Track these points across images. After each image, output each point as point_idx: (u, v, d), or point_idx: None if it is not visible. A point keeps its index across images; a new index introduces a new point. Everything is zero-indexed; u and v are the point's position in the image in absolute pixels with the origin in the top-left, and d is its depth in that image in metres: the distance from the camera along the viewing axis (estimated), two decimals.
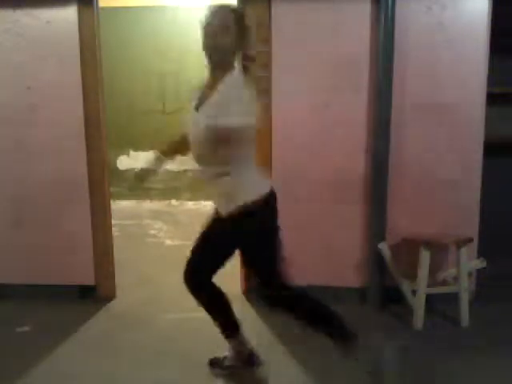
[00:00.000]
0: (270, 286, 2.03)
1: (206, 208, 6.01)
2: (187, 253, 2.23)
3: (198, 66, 5.89)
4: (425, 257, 2.70)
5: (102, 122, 3.05)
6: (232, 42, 1.84)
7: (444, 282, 2.92)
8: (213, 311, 2.20)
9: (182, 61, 5.98)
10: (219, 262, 2.12)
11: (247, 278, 3.13)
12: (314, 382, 2.24)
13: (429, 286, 2.74)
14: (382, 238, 2.95)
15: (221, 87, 1.85)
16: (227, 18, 1.82)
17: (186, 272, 2.25)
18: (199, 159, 1.96)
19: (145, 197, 6.36)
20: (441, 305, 2.91)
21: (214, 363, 2.32)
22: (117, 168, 6.32)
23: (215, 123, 1.76)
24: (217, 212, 2.01)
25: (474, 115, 2.91)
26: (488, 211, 3.06)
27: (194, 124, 1.90)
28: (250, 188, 1.92)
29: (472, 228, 2.98)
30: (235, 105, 1.76)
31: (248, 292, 3.17)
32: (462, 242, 2.74)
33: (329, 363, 2.37)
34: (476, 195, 2.98)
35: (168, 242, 4.57)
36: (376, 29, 2.82)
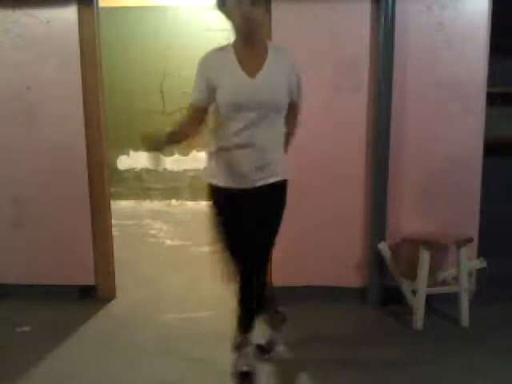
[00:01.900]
0: (254, 277, 2.04)
1: (205, 208, 6.02)
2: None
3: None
4: (425, 257, 2.70)
5: (101, 122, 3.05)
6: (264, 12, 1.88)
7: (444, 282, 2.92)
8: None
9: (182, 61, 5.98)
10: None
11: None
12: (313, 378, 2.24)
13: (429, 285, 2.74)
14: (382, 238, 2.95)
15: (273, 55, 1.93)
16: None
17: (264, 252, 2.08)
18: (267, 124, 1.93)
19: (145, 197, 6.36)
20: (441, 305, 2.91)
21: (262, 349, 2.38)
22: (117, 168, 6.32)
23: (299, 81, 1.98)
24: (254, 186, 1.98)
25: (474, 115, 2.91)
26: (488, 211, 3.06)
27: (267, 86, 1.90)
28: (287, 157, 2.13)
29: (472, 228, 2.98)
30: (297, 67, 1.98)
31: None
32: (461, 242, 2.74)
33: (328, 363, 2.37)
34: (476, 195, 2.98)
35: (168, 241, 4.57)
36: (376, 29, 2.82)
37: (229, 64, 1.90)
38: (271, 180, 1.98)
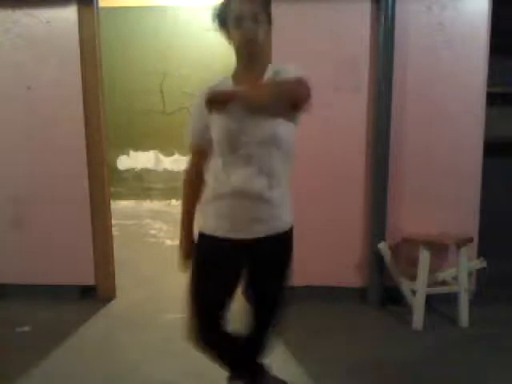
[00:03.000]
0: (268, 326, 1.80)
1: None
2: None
3: (198, 66, 5.90)
4: (425, 257, 2.70)
5: (101, 122, 3.05)
6: (266, 29, 1.61)
7: (444, 282, 2.92)
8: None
9: (182, 61, 5.99)
10: None
11: None
12: (313, 378, 2.24)
13: (429, 285, 2.74)
14: (382, 238, 2.95)
15: (271, 78, 1.61)
16: (257, 2, 1.58)
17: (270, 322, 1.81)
18: (260, 165, 1.59)
19: (145, 197, 6.37)
20: (441, 305, 2.91)
21: None
22: (117, 168, 6.33)
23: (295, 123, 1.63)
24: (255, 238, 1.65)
25: (474, 115, 2.91)
26: (488, 211, 3.06)
27: (259, 127, 1.57)
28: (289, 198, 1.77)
29: (472, 228, 2.98)
30: None
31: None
32: (461, 242, 2.74)
33: (328, 363, 2.37)
34: (476, 195, 2.99)
35: (168, 241, 4.57)
36: (376, 29, 2.82)
37: None
38: (272, 232, 1.66)
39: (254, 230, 1.63)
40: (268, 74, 1.63)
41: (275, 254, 1.72)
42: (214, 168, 1.65)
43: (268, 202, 1.61)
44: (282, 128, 1.60)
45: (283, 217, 1.69)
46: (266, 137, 1.56)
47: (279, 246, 1.73)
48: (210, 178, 1.68)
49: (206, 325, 1.82)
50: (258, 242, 1.64)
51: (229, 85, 1.63)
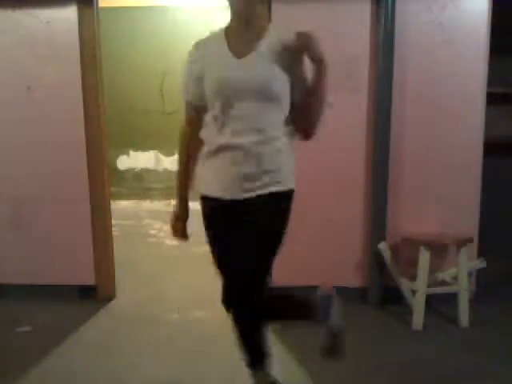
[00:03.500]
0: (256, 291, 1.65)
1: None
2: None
3: None
4: (425, 257, 2.70)
5: (101, 122, 3.05)
6: None
7: (444, 282, 2.92)
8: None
9: (182, 61, 5.99)
10: None
11: None
12: (313, 378, 2.24)
13: (429, 286, 2.74)
14: (382, 238, 2.95)
15: (272, 35, 1.57)
16: None
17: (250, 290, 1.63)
18: (249, 119, 1.55)
19: (145, 197, 6.37)
20: (441, 305, 2.91)
21: None
22: (117, 168, 6.33)
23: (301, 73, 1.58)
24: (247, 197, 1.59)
25: (474, 115, 2.92)
26: (488, 211, 3.07)
27: (255, 68, 1.54)
28: (293, 159, 1.69)
29: (472, 228, 2.98)
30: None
31: None
32: (461, 242, 2.74)
33: (327, 363, 2.37)
34: (476, 195, 2.99)
35: (168, 241, 4.56)
36: (376, 29, 2.82)
37: (217, 48, 1.61)
38: (264, 191, 1.58)
39: (243, 188, 1.57)
40: (270, 35, 1.58)
41: (265, 218, 1.60)
42: (207, 125, 1.63)
43: (257, 158, 1.55)
44: (277, 78, 1.55)
45: (277, 176, 1.60)
46: (258, 86, 1.53)
47: (271, 209, 1.60)
48: (203, 135, 1.66)
49: (229, 292, 1.70)
50: (247, 203, 1.58)
51: (222, 41, 1.60)
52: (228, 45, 1.59)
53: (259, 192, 1.58)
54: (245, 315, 1.70)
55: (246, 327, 1.76)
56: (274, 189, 1.60)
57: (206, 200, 1.69)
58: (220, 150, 1.58)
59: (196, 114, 1.69)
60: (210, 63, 1.60)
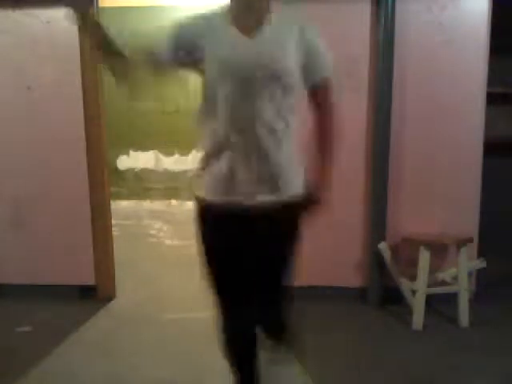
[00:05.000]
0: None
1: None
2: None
3: None
4: (425, 257, 2.70)
5: (102, 122, 3.05)
6: None
7: (444, 282, 2.92)
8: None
9: None
10: None
11: None
12: (313, 378, 2.24)
13: (429, 286, 2.74)
14: (382, 238, 2.95)
15: (276, 18, 1.46)
16: None
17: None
18: (261, 107, 1.37)
19: (145, 197, 6.36)
20: (441, 305, 2.91)
21: None
22: (117, 168, 6.32)
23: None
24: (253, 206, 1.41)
25: (474, 115, 2.92)
26: (488, 211, 3.07)
27: (268, 46, 1.40)
28: (301, 162, 1.50)
29: (472, 228, 2.98)
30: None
31: None
32: (461, 242, 2.74)
33: (328, 363, 2.37)
34: (476, 195, 2.99)
35: (168, 241, 4.57)
36: (376, 29, 2.82)
37: (219, 24, 1.44)
38: (277, 197, 1.42)
39: (255, 192, 1.40)
40: (273, 22, 1.45)
41: (281, 227, 1.45)
42: (208, 120, 1.43)
43: (271, 159, 1.39)
44: (290, 61, 1.41)
45: (291, 179, 1.45)
46: (268, 66, 1.36)
47: (287, 216, 1.46)
48: (203, 131, 1.46)
49: (226, 319, 1.59)
50: (259, 209, 1.41)
51: (223, 23, 1.44)
52: (232, 23, 1.43)
53: (273, 198, 1.42)
54: (247, 339, 1.57)
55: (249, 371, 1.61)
56: (288, 195, 1.44)
57: (207, 206, 1.47)
58: (226, 148, 1.40)
59: (158, 64, 1.48)
60: (212, 37, 1.41)
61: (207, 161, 1.46)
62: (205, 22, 1.47)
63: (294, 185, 1.46)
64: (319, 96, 1.51)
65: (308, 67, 1.46)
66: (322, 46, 1.52)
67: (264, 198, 1.41)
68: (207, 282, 1.53)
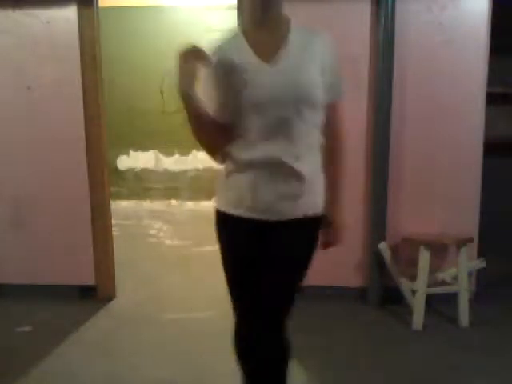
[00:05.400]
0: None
1: (205, 208, 6.03)
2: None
3: None
4: (425, 257, 2.70)
5: (102, 122, 3.05)
6: None
7: (444, 282, 2.92)
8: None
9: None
10: None
11: None
12: (313, 378, 2.24)
13: (429, 286, 2.74)
14: (382, 238, 2.95)
15: (296, 35, 1.43)
16: None
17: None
18: (286, 130, 1.36)
19: (145, 197, 6.36)
20: (441, 305, 2.91)
21: None
22: (117, 168, 6.32)
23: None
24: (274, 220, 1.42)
25: (474, 115, 2.91)
26: (488, 211, 3.07)
27: (290, 72, 1.37)
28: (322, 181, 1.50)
29: (472, 228, 2.98)
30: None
31: None
32: (461, 242, 2.74)
33: (327, 363, 2.37)
34: (476, 195, 2.99)
35: (168, 241, 4.57)
36: (376, 29, 2.82)
37: (239, 52, 1.40)
38: (301, 213, 1.42)
39: (281, 209, 1.40)
40: (291, 31, 1.43)
41: (298, 242, 1.46)
42: (236, 136, 1.41)
43: (298, 176, 1.39)
44: (316, 83, 1.39)
45: (314, 196, 1.45)
46: (291, 94, 1.35)
47: (305, 233, 1.46)
48: (231, 147, 1.43)
49: (242, 327, 1.54)
50: (281, 224, 1.41)
51: (242, 44, 1.40)
52: (251, 47, 1.40)
53: (297, 214, 1.42)
54: (271, 354, 1.55)
55: (268, 371, 1.58)
56: (311, 212, 1.44)
57: (231, 219, 1.46)
58: (255, 164, 1.38)
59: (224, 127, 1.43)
60: (235, 70, 1.38)
61: (230, 175, 1.45)
62: (224, 55, 1.41)
63: (316, 203, 1.47)
64: (327, 116, 1.48)
65: (328, 88, 1.44)
66: (337, 65, 1.49)
67: (286, 214, 1.41)
68: (228, 289, 1.55)
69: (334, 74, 1.47)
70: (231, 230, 1.49)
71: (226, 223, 1.49)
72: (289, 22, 1.47)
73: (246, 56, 1.39)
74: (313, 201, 1.45)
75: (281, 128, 1.36)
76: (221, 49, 1.43)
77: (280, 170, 1.38)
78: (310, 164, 1.42)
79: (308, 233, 1.48)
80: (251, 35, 1.42)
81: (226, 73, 1.38)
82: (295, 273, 1.49)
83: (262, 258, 1.45)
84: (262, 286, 1.46)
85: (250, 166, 1.39)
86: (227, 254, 1.52)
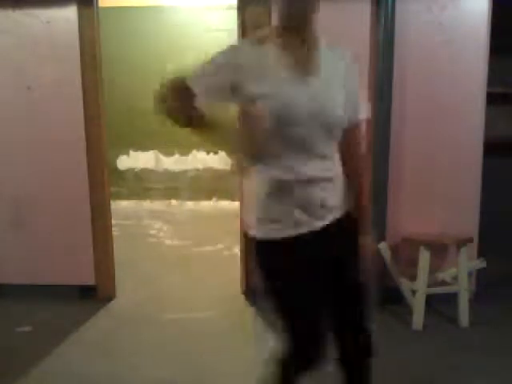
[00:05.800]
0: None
1: (205, 208, 6.03)
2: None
3: None
4: (425, 257, 2.70)
5: (102, 122, 3.05)
6: None
7: (444, 282, 2.92)
8: None
9: (182, 61, 5.98)
10: None
11: (246, 278, 3.12)
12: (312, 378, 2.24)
13: (429, 286, 2.74)
14: (382, 238, 2.95)
15: (326, 52, 1.44)
16: None
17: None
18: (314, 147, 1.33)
19: (145, 197, 6.36)
20: (441, 305, 2.91)
21: None
22: (117, 168, 6.32)
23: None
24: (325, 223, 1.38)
25: (474, 115, 2.91)
26: (488, 211, 3.06)
27: (325, 93, 1.34)
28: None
29: (472, 228, 2.98)
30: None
31: (247, 292, 3.16)
32: (461, 242, 2.74)
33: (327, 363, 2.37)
34: (476, 195, 2.98)
35: (168, 241, 4.57)
36: (376, 29, 2.82)
37: (270, 63, 1.32)
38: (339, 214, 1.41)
39: (326, 215, 1.37)
40: (321, 47, 1.44)
41: (347, 238, 1.44)
42: (268, 154, 1.34)
43: (332, 183, 1.38)
44: (342, 104, 1.37)
45: (344, 197, 1.44)
46: (324, 115, 1.31)
47: (347, 229, 1.44)
48: (264, 168, 1.36)
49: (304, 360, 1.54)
50: (327, 229, 1.37)
51: (271, 49, 1.34)
52: (284, 60, 1.33)
53: (336, 215, 1.40)
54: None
55: None
56: (344, 211, 1.43)
57: (290, 242, 1.36)
58: (300, 181, 1.33)
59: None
60: (264, 83, 1.29)
61: (268, 200, 1.37)
62: (249, 59, 1.34)
63: (346, 202, 1.45)
64: (349, 136, 1.42)
65: (346, 105, 1.38)
66: (359, 84, 1.47)
67: (330, 218, 1.38)
68: (282, 320, 1.44)
69: (358, 93, 1.45)
70: (293, 253, 1.36)
71: (285, 249, 1.37)
72: (317, 35, 1.45)
73: (279, 70, 1.32)
74: (344, 201, 1.44)
75: (307, 145, 1.32)
76: (248, 52, 1.36)
77: (319, 183, 1.35)
78: (337, 171, 1.42)
79: (351, 229, 1.46)
80: (283, 46, 1.35)
81: (248, 80, 1.31)
82: (360, 270, 1.48)
83: (331, 267, 1.41)
84: (345, 292, 1.47)
85: (295, 184, 1.33)
86: (291, 281, 1.39)
